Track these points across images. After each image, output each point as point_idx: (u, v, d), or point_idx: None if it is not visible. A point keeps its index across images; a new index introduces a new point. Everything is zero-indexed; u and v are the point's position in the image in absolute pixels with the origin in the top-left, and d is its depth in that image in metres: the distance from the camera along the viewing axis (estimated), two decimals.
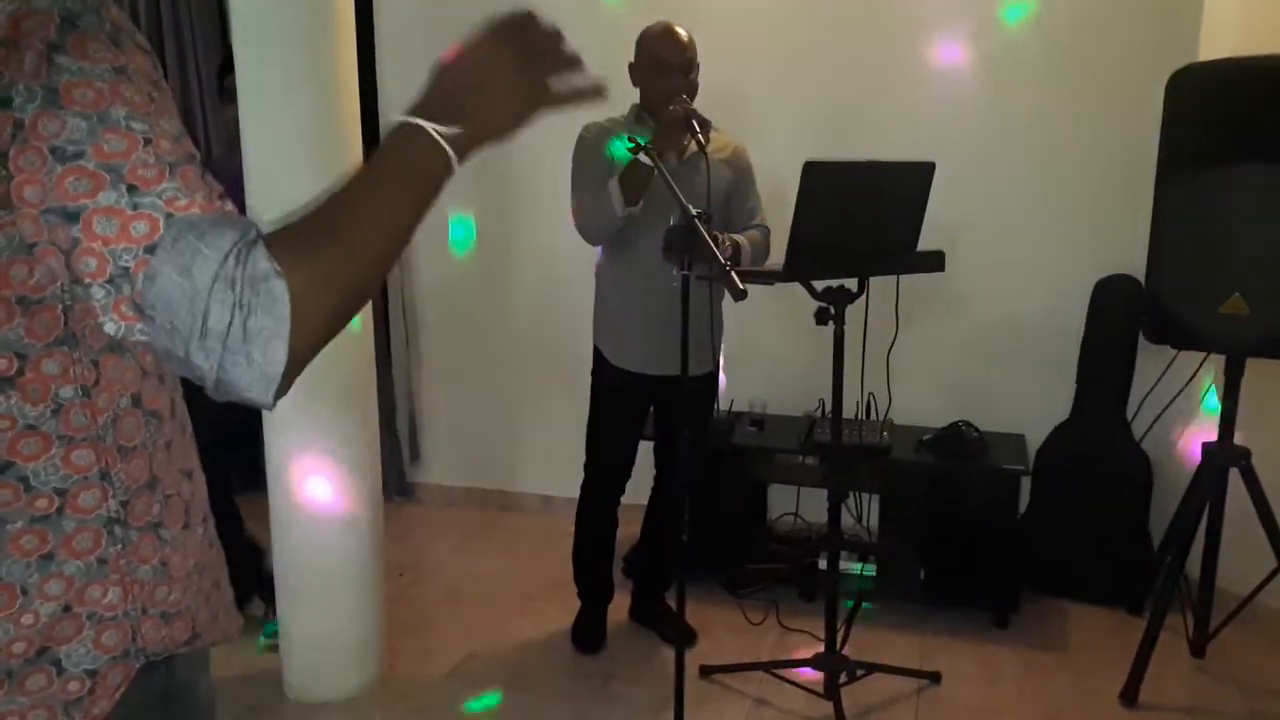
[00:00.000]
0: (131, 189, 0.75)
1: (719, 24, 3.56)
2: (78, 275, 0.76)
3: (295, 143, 2.46)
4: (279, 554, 2.66)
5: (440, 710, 2.68)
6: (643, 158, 2.45)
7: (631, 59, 2.72)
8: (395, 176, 0.85)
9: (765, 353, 3.71)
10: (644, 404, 2.91)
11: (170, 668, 0.94)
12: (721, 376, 3.13)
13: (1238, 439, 2.62)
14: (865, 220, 2.40)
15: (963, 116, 3.40)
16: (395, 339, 4.17)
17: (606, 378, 2.88)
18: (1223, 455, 2.63)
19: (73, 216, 0.75)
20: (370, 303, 2.67)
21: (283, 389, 0.78)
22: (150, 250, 0.74)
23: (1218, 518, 2.75)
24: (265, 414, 2.61)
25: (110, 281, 0.75)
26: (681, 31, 2.66)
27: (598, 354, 2.89)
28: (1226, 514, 2.75)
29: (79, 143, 0.75)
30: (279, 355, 0.76)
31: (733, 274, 1.99)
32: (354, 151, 2.57)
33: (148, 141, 0.77)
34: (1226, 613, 2.83)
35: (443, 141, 0.85)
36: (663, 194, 2.51)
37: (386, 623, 2.84)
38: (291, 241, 0.79)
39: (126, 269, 0.75)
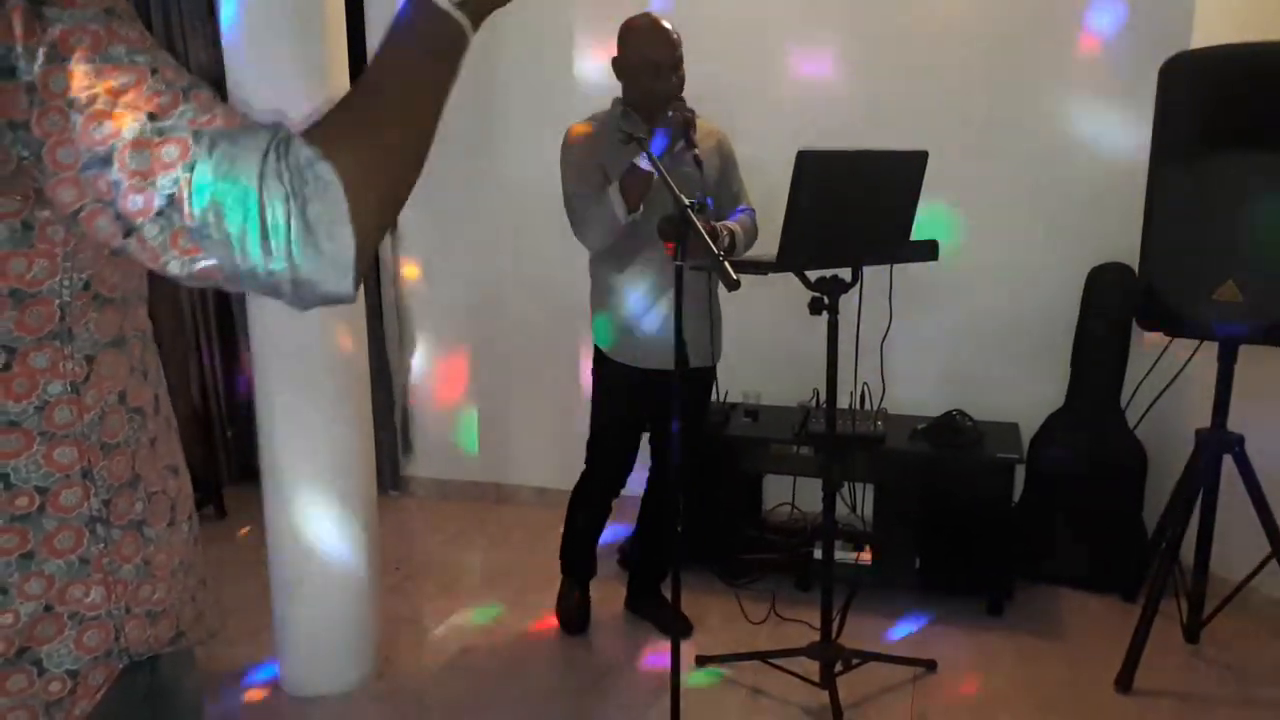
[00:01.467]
0: (152, 116, 0.74)
1: (708, 12, 3.55)
2: (129, 220, 0.75)
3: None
4: (273, 548, 2.65)
5: (436, 704, 2.68)
6: (643, 163, 2.46)
7: (614, 53, 2.69)
8: (415, 53, 0.84)
9: (759, 343, 3.70)
10: (646, 398, 2.90)
11: (155, 667, 0.93)
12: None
13: (1230, 425, 2.63)
14: (859, 210, 2.39)
15: (956, 105, 3.39)
16: (389, 333, 4.16)
17: (608, 374, 2.87)
18: (1216, 441, 2.64)
19: (105, 161, 0.74)
20: (364, 298, 2.67)
21: (358, 276, 0.77)
22: (189, 169, 0.73)
23: (1211, 504, 2.76)
24: (259, 406, 2.60)
25: (160, 214, 0.74)
26: (667, 25, 2.63)
27: (598, 350, 2.88)
28: (1220, 500, 2.75)
29: (90, 88, 0.74)
30: (347, 239, 0.75)
31: (726, 264, 1.98)
32: None
33: (155, 71, 0.76)
34: (1220, 599, 2.84)
35: (454, 10, 0.84)
36: (660, 193, 2.53)
37: (382, 616, 2.83)
38: (329, 130, 0.79)
39: (171, 196, 0.74)
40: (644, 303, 2.75)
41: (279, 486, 2.61)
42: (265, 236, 0.73)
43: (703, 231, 2.07)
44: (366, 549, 2.72)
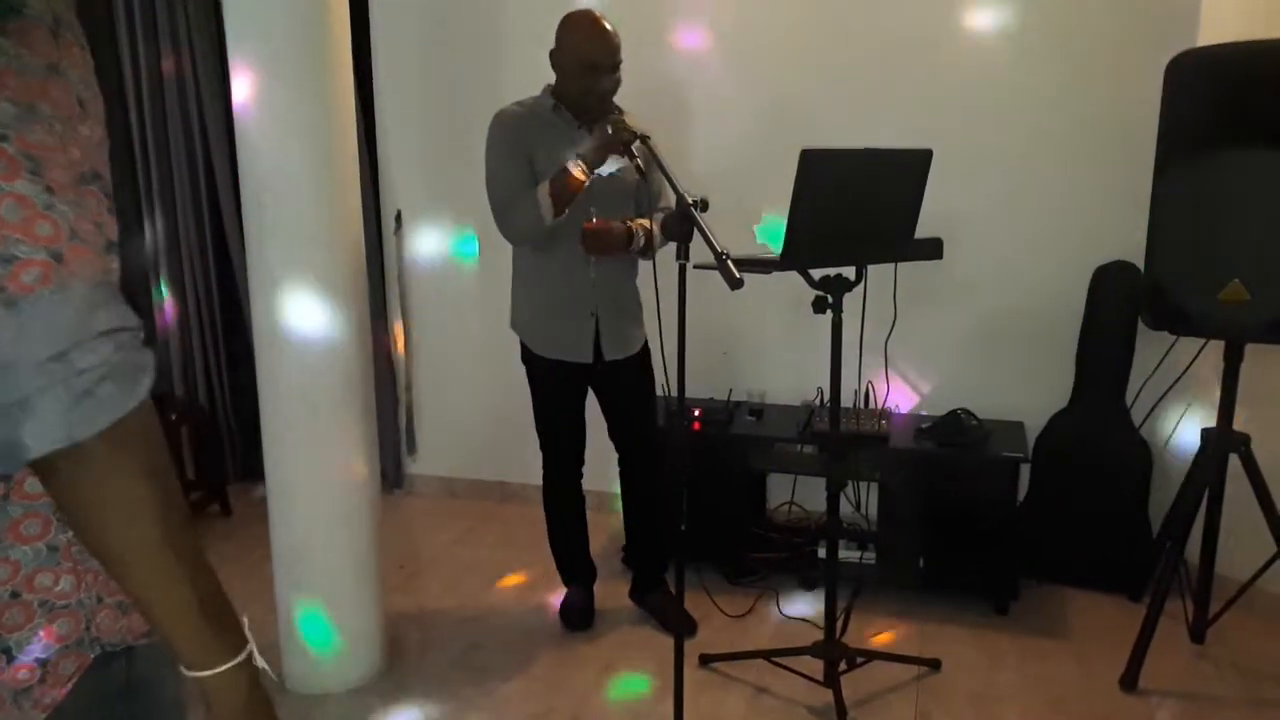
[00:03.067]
0: (49, 190, 0.75)
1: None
2: None
3: (290, 126, 2.45)
4: (278, 546, 2.66)
5: (441, 702, 2.68)
6: (573, 169, 2.52)
7: (553, 45, 2.68)
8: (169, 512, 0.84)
9: (763, 342, 3.70)
10: (578, 385, 2.93)
11: (131, 659, 0.92)
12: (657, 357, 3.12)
13: (1237, 424, 2.62)
14: (863, 208, 2.38)
15: (960, 103, 3.38)
16: (393, 330, 4.16)
17: (535, 366, 2.91)
18: (1222, 441, 2.62)
19: None
20: (367, 296, 2.68)
21: (19, 465, 0.78)
22: (53, 257, 0.74)
23: (1217, 504, 2.75)
24: (263, 404, 2.60)
25: None
26: (607, 24, 2.61)
27: (522, 343, 2.92)
28: (1226, 500, 2.74)
29: (5, 126, 0.74)
30: (61, 438, 0.75)
31: (729, 263, 1.97)
32: (349, 136, 2.56)
33: (65, 146, 0.77)
34: (1226, 598, 2.83)
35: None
36: (586, 195, 2.60)
37: (387, 614, 2.84)
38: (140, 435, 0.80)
39: (11, 258, 0.73)
40: (562, 298, 2.79)
41: (283, 485, 2.61)
42: (34, 372, 0.73)
43: (706, 229, 2.06)
44: (371, 547, 2.72)
